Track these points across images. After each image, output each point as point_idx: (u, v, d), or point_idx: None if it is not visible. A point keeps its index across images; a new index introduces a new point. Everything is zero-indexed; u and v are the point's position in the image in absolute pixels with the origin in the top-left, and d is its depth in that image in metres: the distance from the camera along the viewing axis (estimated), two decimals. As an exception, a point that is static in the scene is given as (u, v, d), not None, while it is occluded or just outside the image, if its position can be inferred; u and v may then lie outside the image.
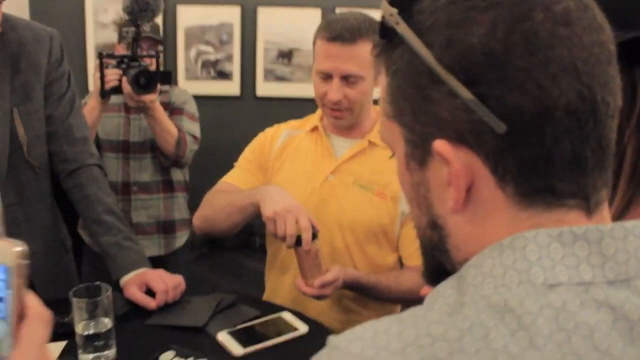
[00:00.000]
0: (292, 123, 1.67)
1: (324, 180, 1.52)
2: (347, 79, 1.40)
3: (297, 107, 4.43)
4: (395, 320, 0.48)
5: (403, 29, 0.51)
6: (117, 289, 1.36)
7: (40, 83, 1.40)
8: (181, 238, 2.20)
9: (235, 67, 4.37)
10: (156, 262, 2.05)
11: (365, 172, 1.51)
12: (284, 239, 1.32)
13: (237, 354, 1.18)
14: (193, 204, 1.83)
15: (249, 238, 4.57)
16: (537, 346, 0.43)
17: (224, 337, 1.23)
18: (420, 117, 0.51)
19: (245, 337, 1.24)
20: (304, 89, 4.44)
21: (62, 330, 1.22)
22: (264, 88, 4.47)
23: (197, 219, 1.58)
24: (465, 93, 0.47)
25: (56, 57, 1.44)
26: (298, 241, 1.29)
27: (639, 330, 0.44)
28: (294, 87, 4.47)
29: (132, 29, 1.85)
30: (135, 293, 1.33)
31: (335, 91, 1.40)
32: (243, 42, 4.34)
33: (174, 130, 1.96)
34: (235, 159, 1.74)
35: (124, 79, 1.82)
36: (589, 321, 0.44)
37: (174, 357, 1.14)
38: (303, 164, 1.56)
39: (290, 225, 1.30)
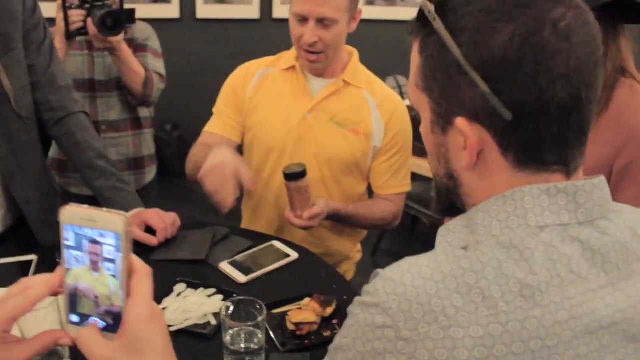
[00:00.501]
0: (265, 61, 1.73)
1: (302, 118, 1.62)
2: (322, 22, 1.48)
3: (238, 29, 4.42)
4: (432, 257, 0.65)
5: (439, 26, 0.65)
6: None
7: (19, 32, 1.40)
8: (150, 173, 2.26)
9: (173, -11, 4.24)
10: None
11: (340, 110, 1.62)
12: (211, 196, 1.37)
13: (241, 281, 1.33)
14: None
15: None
16: (534, 272, 0.62)
17: (226, 267, 1.38)
18: (446, 96, 0.67)
19: (245, 265, 1.39)
20: (245, 11, 4.39)
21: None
22: (204, 10, 4.37)
23: (187, 171, 1.69)
24: (483, 86, 0.62)
25: (30, 5, 1.43)
26: (289, 177, 1.40)
27: (598, 257, 0.64)
28: (234, 9, 4.40)
29: None
30: (136, 232, 1.43)
31: (311, 33, 1.49)
32: (180, -39, 4.19)
33: (141, 70, 1.96)
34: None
35: (89, 20, 1.79)
36: (566, 252, 0.63)
37: (186, 288, 1.28)
38: (279, 102, 1.65)
39: (210, 184, 1.36)
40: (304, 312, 1.14)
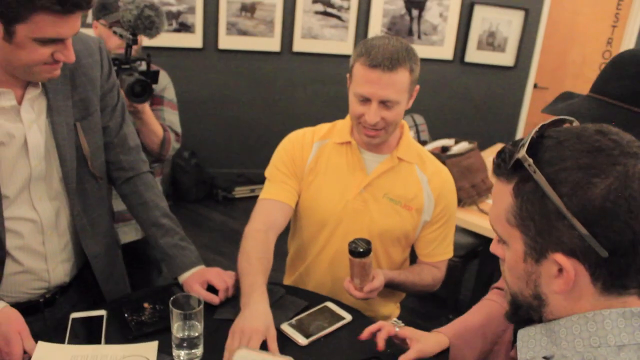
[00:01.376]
0: (319, 132, 1.77)
1: (357, 193, 1.68)
2: (385, 103, 1.54)
3: (259, 61, 4.52)
4: None
5: (539, 177, 0.75)
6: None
7: (97, 96, 1.48)
8: None
9: (197, 20, 4.35)
10: (135, 246, 2.17)
11: (394, 186, 1.68)
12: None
13: (302, 344, 1.41)
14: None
15: (211, 191, 4.71)
16: None
17: (286, 329, 1.45)
18: (544, 235, 0.78)
19: (304, 327, 1.46)
20: (266, 43, 4.51)
21: (145, 330, 1.40)
22: (226, 41, 4.48)
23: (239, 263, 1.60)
24: (582, 230, 0.74)
25: (107, 69, 1.51)
26: (356, 254, 1.46)
27: None
28: (256, 41, 4.51)
29: (128, 35, 1.89)
30: (199, 290, 1.50)
31: (373, 115, 1.54)
32: (205, -6, 4.30)
33: (160, 131, 2.03)
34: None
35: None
36: None
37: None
38: (335, 177, 1.70)
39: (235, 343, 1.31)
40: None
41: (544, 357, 0.80)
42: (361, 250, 1.45)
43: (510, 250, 0.84)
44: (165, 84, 2.19)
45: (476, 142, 3.13)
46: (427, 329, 3.29)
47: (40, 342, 1.31)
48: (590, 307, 0.79)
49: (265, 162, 1.83)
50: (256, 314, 1.36)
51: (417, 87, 1.61)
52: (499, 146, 3.96)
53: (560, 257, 0.77)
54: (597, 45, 4.73)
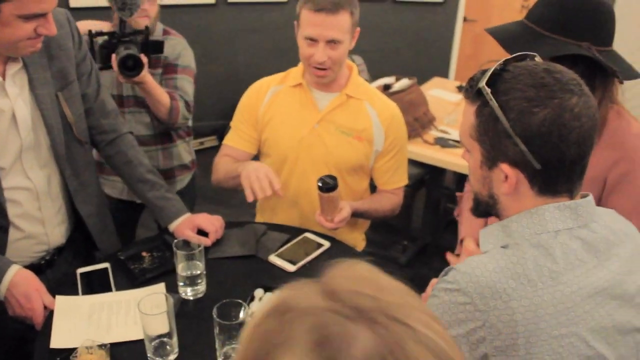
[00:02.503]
0: (274, 79, 1.95)
1: (311, 129, 1.87)
2: (330, 43, 1.71)
3: (196, 14, 4.51)
4: (490, 256, 0.99)
5: (494, 104, 0.95)
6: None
7: (73, 66, 1.55)
8: (182, 181, 2.37)
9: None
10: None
11: (345, 120, 1.88)
12: (255, 195, 1.66)
13: (291, 270, 1.60)
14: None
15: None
16: (557, 262, 0.96)
17: (275, 260, 1.64)
18: (495, 148, 1.00)
19: (290, 256, 1.65)
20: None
21: (149, 275, 1.55)
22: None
23: (213, 180, 1.96)
24: (523, 147, 0.96)
25: (77, 38, 1.58)
26: (325, 189, 1.65)
27: (592, 248, 0.99)
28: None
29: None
30: (191, 235, 1.65)
31: (321, 53, 1.72)
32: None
33: (166, 100, 2.04)
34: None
35: (113, 56, 1.89)
36: (573, 246, 0.98)
37: (264, 293, 1.50)
38: (290, 115, 1.89)
39: (260, 181, 1.65)
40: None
41: (501, 247, 1.02)
42: (329, 185, 1.64)
43: (472, 158, 1.05)
44: (179, 51, 2.18)
45: (415, 78, 3.32)
46: (385, 257, 3.54)
47: (58, 296, 1.44)
48: (531, 205, 1.01)
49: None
50: (255, 164, 1.72)
51: (358, 29, 1.79)
52: (436, 80, 4.19)
53: (505, 167, 0.98)
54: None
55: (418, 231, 3.69)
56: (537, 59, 1.04)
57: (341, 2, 1.68)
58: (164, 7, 4.38)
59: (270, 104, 1.92)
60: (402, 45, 5.12)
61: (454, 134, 3.15)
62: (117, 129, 1.70)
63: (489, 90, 0.96)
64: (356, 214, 1.86)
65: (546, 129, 0.93)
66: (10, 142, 1.44)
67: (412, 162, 3.38)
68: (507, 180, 0.99)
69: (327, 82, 1.83)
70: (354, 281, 0.54)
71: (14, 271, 1.43)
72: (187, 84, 2.18)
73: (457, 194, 1.87)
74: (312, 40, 1.72)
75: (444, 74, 5.23)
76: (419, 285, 1.88)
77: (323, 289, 0.53)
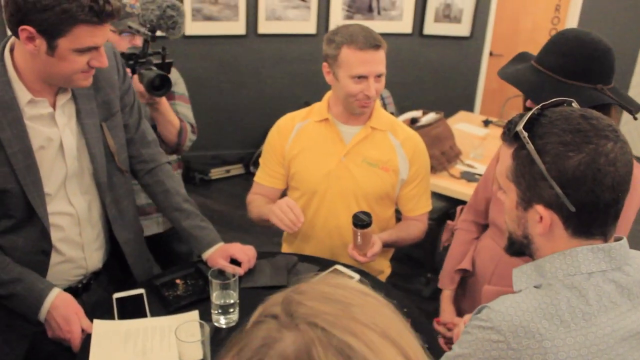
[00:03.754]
0: (299, 115, 2.02)
1: (338, 161, 1.93)
2: (379, 76, 1.81)
3: (226, 44, 4.64)
4: (523, 295, 1.01)
5: (530, 148, 0.98)
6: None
7: (117, 98, 1.62)
8: None
9: (162, 8, 4.40)
10: (157, 239, 2.31)
11: (371, 151, 1.93)
12: (292, 228, 1.76)
13: (321, 303, 1.62)
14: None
15: (188, 173, 4.83)
16: (590, 304, 0.98)
17: (306, 291, 1.66)
18: (530, 190, 1.03)
19: (320, 289, 1.67)
20: (232, 27, 4.62)
21: (182, 302, 1.59)
22: (193, 27, 4.56)
23: (249, 215, 2.04)
24: (558, 190, 0.98)
25: (122, 72, 1.65)
26: (360, 225, 1.70)
27: (625, 291, 1.01)
28: (221, 25, 4.61)
29: (146, 31, 1.95)
30: (224, 264, 1.68)
31: (372, 88, 1.80)
32: (168, -19, 4.35)
33: (176, 121, 2.09)
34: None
35: (135, 77, 1.93)
36: (606, 289, 1.00)
37: None
38: (317, 149, 1.95)
39: (287, 214, 1.75)
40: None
41: (534, 286, 1.04)
42: (365, 222, 1.70)
43: (508, 199, 1.08)
44: (175, 79, 2.23)
45: (442, 113, 3.36)
46: (408, 289, 3.54)
47: (95, 320, 1.48)
48: (564, 246, 1.03)
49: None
50: (281, 200, 1.82)
51: None
52: (462, 114, 4.22)
53: (540, 208, 1.01)
54: (546, 12, 5.02)
55: (442, 264, 3.67)
56: (574, 104, 1.07)
57: (379, 38, 1.79)
58: (196, 38, 4.55)
59: (296, 139, 1.98)
60: (429, 79, 5.18)
61: (480, 168, 3.17)
62: (157, 158, 1.76)
63: (526, 134, 0.99)
64: (385, 245, 1.90)
65: (581, 172, 0.95)
66: (56, 169, 1.50)
67: (438, 196, 3.40)
68: (542, 221, 1.02)
69: (369, 112, 1.90)
70: (310, 293, 0.59)
71: (55, 294, 1.48)
72: (186, 110, 2.23)
73: (448, 222, 1.91)
74: (362, 77, 1.78)
75: (470, 107, 5.27)
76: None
77: (283, 298, 0.59)
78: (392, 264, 2.22)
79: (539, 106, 1.04)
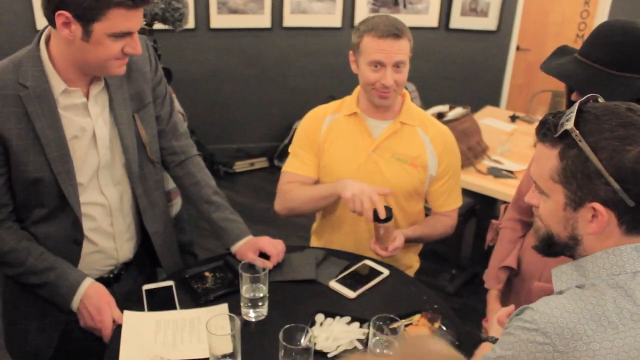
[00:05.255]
0: (330, 108, 2.00)
1: (367, 156, 1.90)
2: (397, 66, 1.77)
3: (250, 38, 4.63)
4: (567, 296, 0.98)
5: (584, 146, 0.94)
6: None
7: (149, 89, 1.62)
8: (177, 205, 2.42)
9: (189, 0, 4.41)
10: None
11: (400, 147, 1.90)
12: (360, 213, 1.72)
13: (351, 297, 1.61)
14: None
15: (212, 166, 4.85)
16: (637, 304, 0.95)
17: (335, 285, 1.65)
18: (583, 189, 0.99)
19: (350, 282, 1.66)
20: (257, 20, 4.61)
21: (212, 295, 1.59)
22: (218, 20, 4.57)
23: (282, 209, 1.98)
24: (616, 185, 0.95)
25: (154, 64, 1.65)
26: (381, 220, 1.68)
27: None
28: (247, 18, 4.61)
29: (144, 25, 1.93)
30: (254, 257, 1.68)
31: (389, 77, 1.77)
32: (195, -26, 4.37)
33: None
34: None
35: None
36: None
37: (325, 318, 1.51)
38: (346, 144, 1.93)
39: (365, 203, 1.70)
40: (419, 328, 1.43)
41: (577, 286, 1.01)
42: (387, 216, 1.68)
43: (550, 201, 1.04)
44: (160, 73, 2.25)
45: (469, 107, 3.32)
46: (433, 285, 3.52)
47: (126, 311, 1.48)
48: (615, 245, 1.00)
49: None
50: (353, 181, 1.78)
51: (410, 54, 1.85)
52: (489, 109, 4.17)
53: (597, 206, 0.97)
54: (576, 6, 4.92)
55: (467, 260, 3.65)
56: (600, 99, 1.04)
57: (403, 28, 1.77)
58: (221, 31, 4.55)
59: (327, 132, 1.96)
60: (455, 73, 5.12)
61: (507, 164, 3.12)
62: (187, 150, 1.76)
63: (577, 132, 0.96)
64: (409, 241, 1.89)
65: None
66: (89, 159, 1.50)
67: (464, 192, 3.34)
68: (596, 219, 0.99)
69: (389, 103, 1.86)
70: None
71: (88, 284, 1.49)
72: (175, 101, 2.21)
73: (493, 221, 1.89)
74: (379, 64, 1.76)
75: (496, 102, 5.20)
76: (466, 314, 1.89)
77: None
78: (418, 259, 2.20)
79: (576, 103, 1.01)
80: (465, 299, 3.37)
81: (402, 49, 1.76)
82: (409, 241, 1.89)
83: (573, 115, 0.97)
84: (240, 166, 4.86)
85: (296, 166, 1.99)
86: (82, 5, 1.27)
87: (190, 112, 4.71)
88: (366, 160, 1.90)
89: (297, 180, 1.98)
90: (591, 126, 0.96)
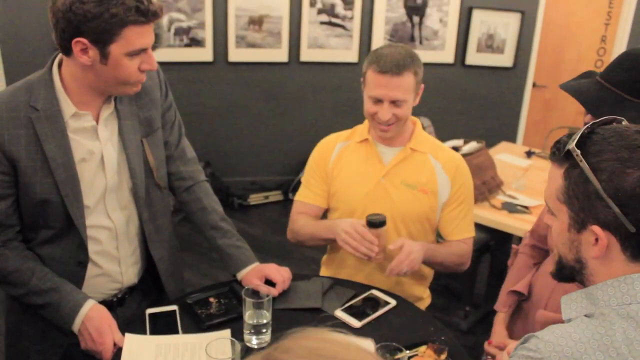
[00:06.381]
0: (341, 135, 2.02)
1: (377, 183, 1.90)
2: (395, 102, 1.77)
3: (268, 72, 4.69)
4: (574, 325, 0.94)
5: (584, 166, 0.93)
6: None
7: (159, 115, 1.64)
8: None
9: (207, 34, 4.51)
10: None
11: (409, 173, 1.90)
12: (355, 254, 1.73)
13: (356, 326, 1.58)
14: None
15: (227, 199, 4.86)
16: None
17: (340, 314, 1.62)
18: (585, 211, 0.96)
19: (355, 312, 1.63)
20: (274, 54, 4.68)
21: (215, 320, 1.57)
22: (236, 54, 4.64)
23: (291, 238, 2.01)
24: (616, 209, 0.92)
25: (164, 90, 1.68)
26: (370, 223, 1.71)
27: None
28: (264, 52, 4.67)
29: None
30: (258, 283, 1.66)
31: (385, 113, 1.78)
32: (215, 9, 4.46)
33: None
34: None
35: None
36: None
37: None
38: (356, 170, 1.94)
39: (351, 242, 1.72)
40: (425, 358, 1.39)
41: (585, 315, 0.98)
42: (377, 221, 1.70)
43: (557, 221, 1.03)
44: None
45: (484, 142, 3.30)
46: (447, 322, 3.45)
47: (127, 334, 1.47)
48: (622, 272, 0.96)
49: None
50: (344, 221, 1.79)
51: (422, 85, 1.85)
52: (504, 144, 4.14)
53: (597, 229, 0.95)
54: (592, 43, 4.93)
55: (481, 298, 3.57)
56: (624, 123, 1.02)
57: (405, 63, 1.74)
58: (238, 64, 4.63)
59: (337, 159, 1.97)
60: (471, 109, 5.12)
61: (522, 199, 3.08)
62: (195, 176, 1.76)
63: (578, 151, 0.95)
64: (425, 258, 1.82)
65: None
66: (96, 182, 1.52)
67: (478, 227, 3.30)
68: (598, 243, 0.96)
69: (390, 136, 1.87)
70: (295, 350, 0.51)
71: (90, 305, 1.48)
72: None
73: (514, 246, 1.86)
74: (378, 100, 1.78)
75: (512, 138, 5.17)
76: (479, 352, 1.82)
77: (264, 358, 0.51)
78: (431, 295, 2.16)
79: (589, 124, 1.00)
80: (478, 337, 3.28)
81: (401, 85, 1.75)
82: (425, 259, 1.83)
83: (577, 136, 0.96)
84: (254, 199, 4.86)
85: (306, 195, 2.01)
86: (98, 28, 1.30)
87: (207, 144, 4.79)
88: (376, 187, 1.90)
89: (307, 209, 1.99)
90: (596, 147, 0.95)
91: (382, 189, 1.90)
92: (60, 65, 1.45)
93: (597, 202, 0.93)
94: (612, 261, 0.97)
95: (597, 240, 0.96)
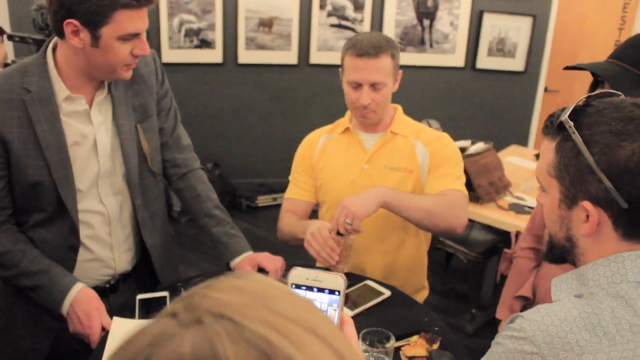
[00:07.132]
0: (325, 129, 2.03)
1: (361, 170, 1.89)
2: (374, 86, 1.76)
3: (277, 74, 4.70)
4: (561, 304, 0.91)
5: (577, 138, 0.90)
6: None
7: (154, 101, 1.64)
8: None
9: (217, 36, 4.53)
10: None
11: (392, 157, 1.88)
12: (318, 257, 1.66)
13: (348, 315, 1.55)
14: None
15: (235, 200, 4.86)
16: (638, 315, 0.87)
17: (333, 304, 1.59)
18: (576, 185, 0.93)
19: (349, 302, 1.60)
20: (284, 56, 4.68)
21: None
22: (246, 56, 4.65)
23: (279, 236, 1.99)
24: (608, 183, 0.89)
25: (160, 77, 1.67)
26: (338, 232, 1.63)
27: None
28: (274, 55, 4.68)
29: None
30: (250, 270, 1.65)
31: (365, 97, 1.76)
32: (225, 11, 4.48)
33: None
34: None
35: None
36: None
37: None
38: (340, 159, 1.93)
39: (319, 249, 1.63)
40: (416, 347, 1.36)
41: (575, 296, 0.94)
42: (340, 230, 1.61)
43: (548, 197, 0.99)
44: None
45: (491, 143, 3.27)
46: (452, 324, 3.39)
47: (115, 318, 1.46)
48: (613, 250, 0.93)
49: (286, 171, 2.07)
50: (315, 222, 1.72)
51: (401, 72, 1.83)
52: (514, 148, 4.10)
53: (587, 204, 0.91)
54: (605, 48, 4.87)
55: (488, 300, 3.52)
56: (621, 96, 0.99)
57: (382, 46, 1.73)
58: (248, 66, 4.64)
59: (322, 152, 1.97)
60: (481, 113, 5.08)
61: (530, 201, 3.04)
62: (190, 164, 1.76)
63: (571, 123, 0.92)
64: (389, 203, 1.66)
65: (635, 164, 0.86)
66: (89, 166, 1.51)
67: (485, 228, 3.27)
68: (588, 220, 0.92)
69: (372, 122, 1.87)
70: (218, 285, 0.48)
71: (79, 288, 1.47)
72: None
73: (505, 250, 1.81)
74: (357, 84, 1.76)
75: (523, 142, 5.12)
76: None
77: (187, 294, 0.48)
78: (435, 298, 2.12)
79: (584, 96, 0.96)
80: (484, 340, 3.22)
81: (379, 68, 1.73)
82: (390, 206, 1.67)
83: (571, 108, 0.93)
84: (262, 200, 4.86)
85: (294, 192, 2.01)
86: (89, 10, 1.30)
87: (215, 145, 4.80)
88: (360, 174, 1.89)
89: (295, 206, 1.99)
90: (590, 119, 0.91)
91: (367, 176, 1.88)
92: (55, 48, 1.46)
93: (588, 176, 0.90)
94: (603, 240, 0.94)
95: (588, 217, 0.93)
